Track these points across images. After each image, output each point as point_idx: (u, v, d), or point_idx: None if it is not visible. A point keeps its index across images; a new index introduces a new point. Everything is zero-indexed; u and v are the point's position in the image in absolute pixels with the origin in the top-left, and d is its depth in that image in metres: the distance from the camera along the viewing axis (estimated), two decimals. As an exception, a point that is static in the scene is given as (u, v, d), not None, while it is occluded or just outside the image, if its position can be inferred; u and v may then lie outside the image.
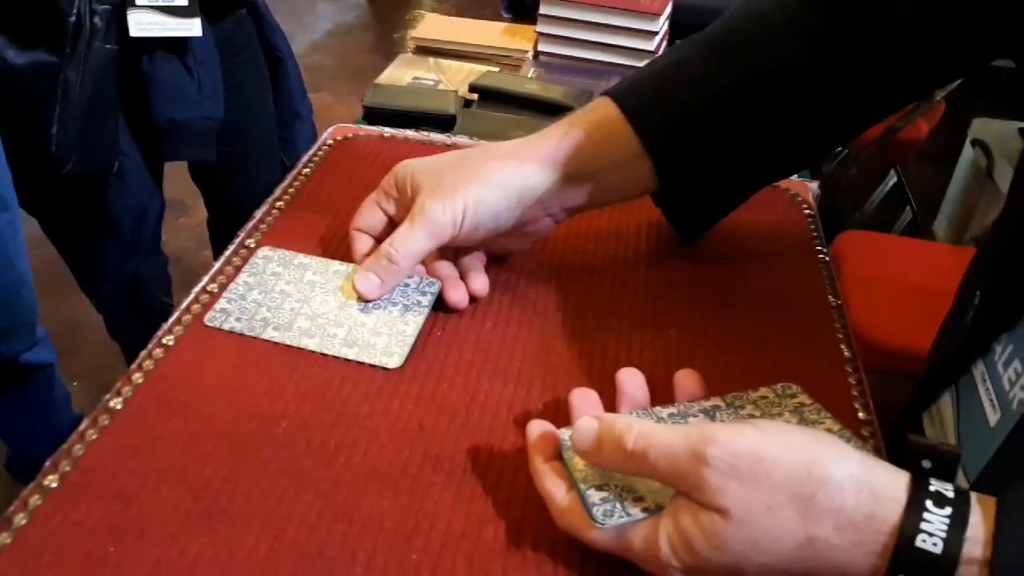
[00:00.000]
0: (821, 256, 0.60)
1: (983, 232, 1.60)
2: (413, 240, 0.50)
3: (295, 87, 1.44)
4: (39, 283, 1.14)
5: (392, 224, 0.53)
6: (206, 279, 0.54)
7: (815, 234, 0.63)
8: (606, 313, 0.53)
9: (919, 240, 1.72)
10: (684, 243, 0.59)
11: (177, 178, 1.28)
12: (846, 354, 0.52)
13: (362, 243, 0.54)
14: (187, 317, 0.50)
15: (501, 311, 0.53)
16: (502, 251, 0.56)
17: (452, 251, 0.54)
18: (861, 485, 0.32)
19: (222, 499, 0.40)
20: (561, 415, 0.44)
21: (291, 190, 0.63)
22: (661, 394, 0.43)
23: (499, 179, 0.50)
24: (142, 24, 1.03)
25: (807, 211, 0.65)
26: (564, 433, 0.40)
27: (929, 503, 0.31)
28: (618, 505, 0.36)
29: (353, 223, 0.54)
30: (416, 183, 0.51)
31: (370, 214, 0.54)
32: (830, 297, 0.56)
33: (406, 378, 0.47)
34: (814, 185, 0.69)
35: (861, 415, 0.47)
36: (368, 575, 0.37)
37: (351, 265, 0.54)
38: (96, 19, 0.98)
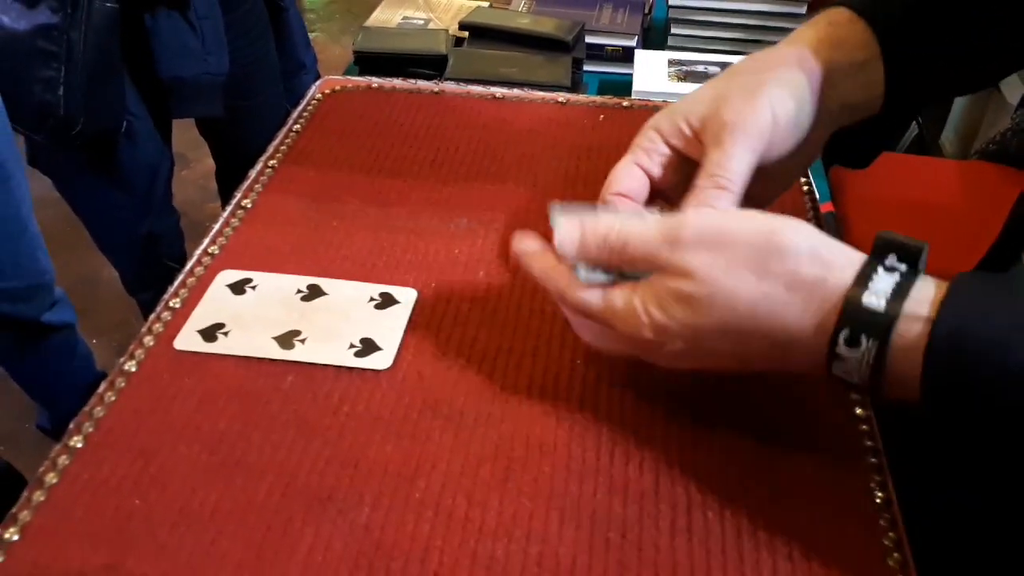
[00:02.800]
0: (806, 189, 0.61)
1: (985, 145, 1.58)
2: (736, 158, 0.44)
3: (298, 37, 1.42)
4: (52, 242, 1.16)
5: (655, 185, 0.48)
6: (207, 241, 0.56)
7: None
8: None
9: (923, 157, 1.70)
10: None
11: (176, 132, 1.29)
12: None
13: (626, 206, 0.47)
14: (191, 280, 0.52)
15: (493, 261, 0.55)
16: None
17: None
18: (817, 253, 0.35)
19: (236, 451, 0.42)
20: (552, 357, 0.46)
21: (283, 147, 0.65)
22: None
23: (788, 77, 0.46)
24: (140, -21, 1.03)
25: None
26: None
27: (880, 269, 0.34)
28: (603, 273, 0.41)
29: (609, 188, 0.47)
30: (698, 117, 0.46)
31: (629, 176, 0.47)
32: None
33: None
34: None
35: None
36: (374, 514, 0.40)
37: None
38: None
